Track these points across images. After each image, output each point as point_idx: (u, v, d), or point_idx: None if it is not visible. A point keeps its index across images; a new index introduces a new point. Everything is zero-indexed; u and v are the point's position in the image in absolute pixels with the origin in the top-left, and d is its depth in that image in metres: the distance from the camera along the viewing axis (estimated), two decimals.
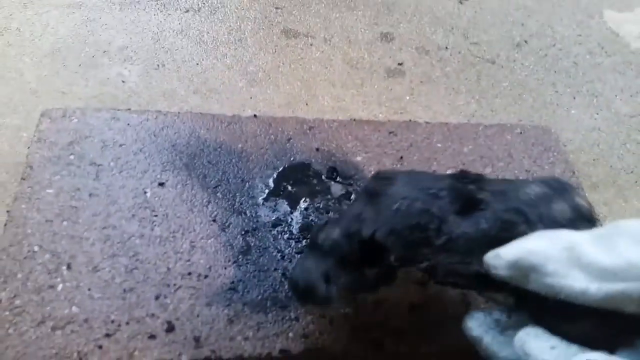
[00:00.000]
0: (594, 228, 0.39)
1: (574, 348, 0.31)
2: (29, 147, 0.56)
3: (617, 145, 0.80)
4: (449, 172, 0.61)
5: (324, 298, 0.43)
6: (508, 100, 0.83)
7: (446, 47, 0.90)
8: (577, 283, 0.30)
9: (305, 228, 0.54)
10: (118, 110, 0.61)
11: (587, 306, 0.30)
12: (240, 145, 0.61)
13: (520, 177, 0.63)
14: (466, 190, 0.44)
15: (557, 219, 0.41)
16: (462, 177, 0.45)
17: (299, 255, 0.51)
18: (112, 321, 0.45)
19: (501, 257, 0.35)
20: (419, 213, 0.43)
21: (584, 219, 0.42)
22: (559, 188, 0.44)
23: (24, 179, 0.53)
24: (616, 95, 0.88)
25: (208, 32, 0.82)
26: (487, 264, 0.36)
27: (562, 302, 0.31)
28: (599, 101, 0.87)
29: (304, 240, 0.53)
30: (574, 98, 0.86)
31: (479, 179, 0.45)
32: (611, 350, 0.31)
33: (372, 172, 0.51)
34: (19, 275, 0.47)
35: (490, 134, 0.68)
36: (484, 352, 0.36)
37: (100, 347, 0.44)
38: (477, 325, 0.38)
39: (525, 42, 0.95)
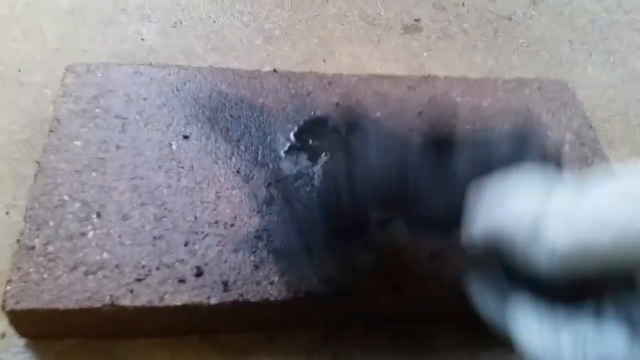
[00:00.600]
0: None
1: (560, 317, 0.31)
2: (54, 102, 0.57)
3: (633, 102, 0.80)
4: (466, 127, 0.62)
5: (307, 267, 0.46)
6: (525, 57, 0.83)
7: (463, 4, 0.89)
8: (542, 260, 0.30)
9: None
10: (140, 65, 0.62)
11: None
12: (261, 100, 0.61)
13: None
14: (436, 134, 0.43)
15: (528, 159, 0.39)
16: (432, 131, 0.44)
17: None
18: (143, 266, 0.47)
19: (473, 238, 0.35)
20: (392, 167, 0.42)
21: (552, 161, 0.41)
22: (525, 134, 0.43)
23: (52, 131, 0.54)
24: (633, 53, 0.88)
25: None
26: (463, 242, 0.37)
27: None
28: (615, 58, 0.86)
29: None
30: (590, 55, 0.86)
31: (449, 130, 0.44)
32: (598, 300, 0.31)
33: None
34: (51, 223, 0.48)
35: (508, 88, 0.68)
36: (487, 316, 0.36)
37: (131, 291, 0.46)
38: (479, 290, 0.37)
39: None
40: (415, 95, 0.65)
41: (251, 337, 0.50)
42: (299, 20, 0.80)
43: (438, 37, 0.83)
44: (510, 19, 0.89)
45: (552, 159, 0.43)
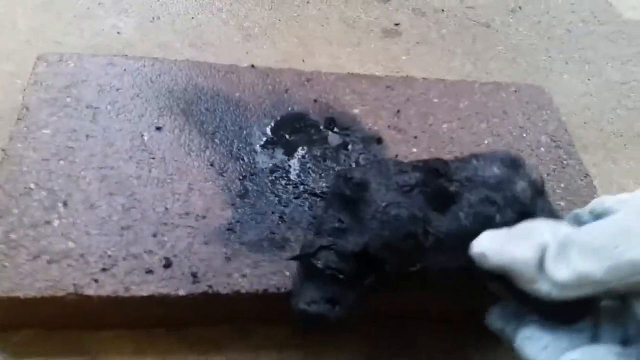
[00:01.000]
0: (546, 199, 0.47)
1: (564, 343, 0.35)
2: (24, 90, 0.55)
3: (607, 110, 0.81)
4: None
5: (335, 323, 0.42)
6: (502, 63, 0.84)
7: (442, 10, 0.90)
8: (544, 288, 0.34)
9: (302, 174, 0.55)
10: (115, 56, 0.61)
11: None
12: (237, 94, 0.60)
13: (514, 134, 0.64)
14: (439, 186, 0.45)
15: (520, 199, 0.44)
16: (429, 170, 0.46)
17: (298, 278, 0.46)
18: (109, 256, 0.45)
19: (487, 259, 0.38)
20: (407, 220, 0.43)
21: (538, 193, 0.46)
22: (514, 165, 0.47)
23: (20, 119, 0.53)
24: (607, 63, 0.89)
25: None
26: (474, 258, 0.39)
27: None
28: (590, 68, 0.87)
29: (302, 186, 0.54)
30: (567, 63, 0.87)
31: (444, 169, 0.46)
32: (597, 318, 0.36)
33: (337, 172, 0.48)
34: (15, 211, 0.47)
35: (486, 91, 0.68)
36: (509, 343, 0.39)
37: (96, 280, 0.44)
38: (497, 319, 0.40)
39: (520, 8, 0.95)
40: (394, 94, 0.65)
41: (221, 330, 0.49)
42: (279, 20, 0.80)
43: (417, 42, 0.83)
44: (488, 26, 0.90)
45: (539, 191, 0.47)
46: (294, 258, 0.45)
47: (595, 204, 0.39)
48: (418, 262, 0.44)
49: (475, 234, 0.42)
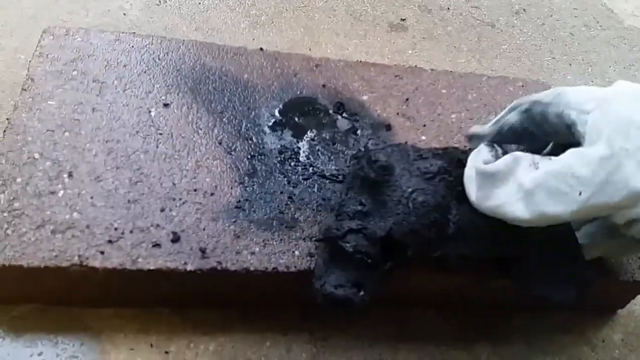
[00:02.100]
0: None
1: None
2: (29, 61, 0.54)
3: None
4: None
5: (360, 306, 0.42)
6: (507, 61, 0.84)
7: (448, 8, 0.90)
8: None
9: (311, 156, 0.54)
10: (122, 32, 0.60)
11: None
12: (246, 76, 0.60)
13: None
14: (460, 175, 0.45)
15: None
16: (451, 158, 0.46)
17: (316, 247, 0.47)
18: (115, 229, 0.44)
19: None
20: (433, 208, 0.43)
21: None
22: None
23: (24, 90, 0.51)
24: (610, 66, 0.90)
25: None
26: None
27: None
28: (593, 70, 0.88)
29: (311, 168, 0.53)
30: (570, 65, 0.87)
31: (465, 159, 0.46)
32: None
33: (355, 154, 0.50)
34: (19, 180, 0.45)
35: (493, 84, 0.68)
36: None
37: (102, 252, 0.43)
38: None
39: (524, 10, 0.95)
40: (402, 83, 0.64)
41: (225, 313, 0.48)
42: (286, 9, 0.79)
43: (423, 37, 0.83)
44: (493, 26, 0.90)
45: None
46: (321, 239, 0.45)
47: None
48: (439, 249, 0.44)
49: (494, 225, 0.42)
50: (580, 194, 0.36)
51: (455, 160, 0.46)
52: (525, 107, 0.44)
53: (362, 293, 0.42)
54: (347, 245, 0.42)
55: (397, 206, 0.43)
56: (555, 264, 0.45)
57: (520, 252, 0.45)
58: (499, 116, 0.47)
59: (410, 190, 0.44)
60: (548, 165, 0.39)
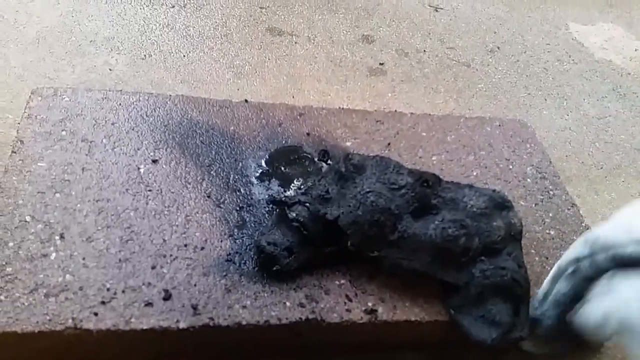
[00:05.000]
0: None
1: None
2: (18, 123, 0.55)
3: (587, 143, 0.84)
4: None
5: (283, 269, 0.47)
6: (484, 100, 0.87)
7: (424, 51, 0.93)
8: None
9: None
10: (109, 90, 0.61)
11: None
12: (232, 128, 0.61)
13: (501, 166, 0.66)
14: (423, 194, 0.51)
15: (492, 235, 0.51)
16: (420, 178, 0.52)
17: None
18: (108, 289, 0.45)
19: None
20: (381, 211, 0.49)
21: (513, 238, 0.53)
22: (499, 204, 0.54)
23: (14, 152, 0.52)
24: (584, 99, 0.93)
25: (194, 27, 0.83)
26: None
27: None
28: (568, 104, 0.91)
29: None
30: (545, 100, 0.90)
31: (434, 183, 0.53)
32: None
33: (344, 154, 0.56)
34: (11, 244, 0.46)
35: (471, 125, 0.70)
36: None
37: (95, 314, 0.43)
38: None
39: (498, 48, 0.99)
40: (384, 128, 0.66)
41: None
42: (269, 59, 0.82)
43: (402, 80, 0.86)
44: (469, 65, 0.93)
45: (516, 235, 0.53)
46: (273, 202, 0.53)
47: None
48: (377, 250, 0.49)
49: (438, 247, 0.48)
50: None
51: (423, 180, 0.52)
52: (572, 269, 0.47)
53: (290, 259, 0.47)
54: (291, 212, 0.49)
55: (352, 200, 0.49)
56: (490, 307, 0.49)
57: (462, 283, 0.49)
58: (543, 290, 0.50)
59: (367, 190, 0.50)
60: None
